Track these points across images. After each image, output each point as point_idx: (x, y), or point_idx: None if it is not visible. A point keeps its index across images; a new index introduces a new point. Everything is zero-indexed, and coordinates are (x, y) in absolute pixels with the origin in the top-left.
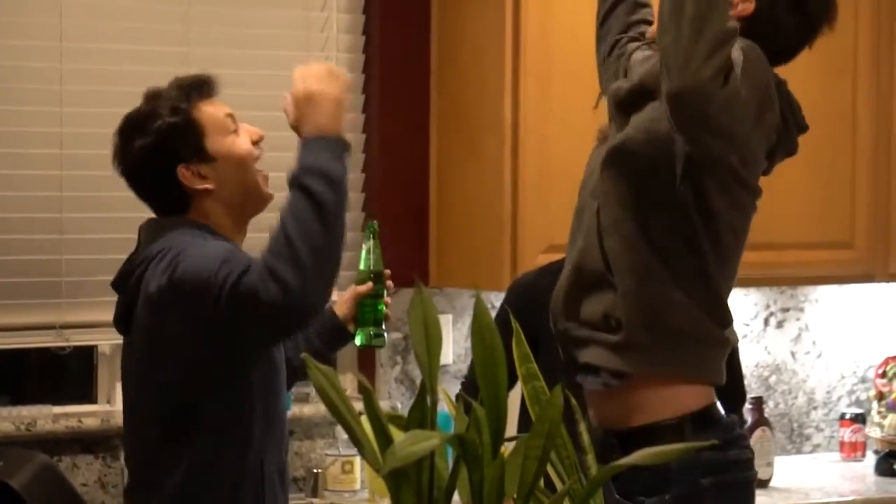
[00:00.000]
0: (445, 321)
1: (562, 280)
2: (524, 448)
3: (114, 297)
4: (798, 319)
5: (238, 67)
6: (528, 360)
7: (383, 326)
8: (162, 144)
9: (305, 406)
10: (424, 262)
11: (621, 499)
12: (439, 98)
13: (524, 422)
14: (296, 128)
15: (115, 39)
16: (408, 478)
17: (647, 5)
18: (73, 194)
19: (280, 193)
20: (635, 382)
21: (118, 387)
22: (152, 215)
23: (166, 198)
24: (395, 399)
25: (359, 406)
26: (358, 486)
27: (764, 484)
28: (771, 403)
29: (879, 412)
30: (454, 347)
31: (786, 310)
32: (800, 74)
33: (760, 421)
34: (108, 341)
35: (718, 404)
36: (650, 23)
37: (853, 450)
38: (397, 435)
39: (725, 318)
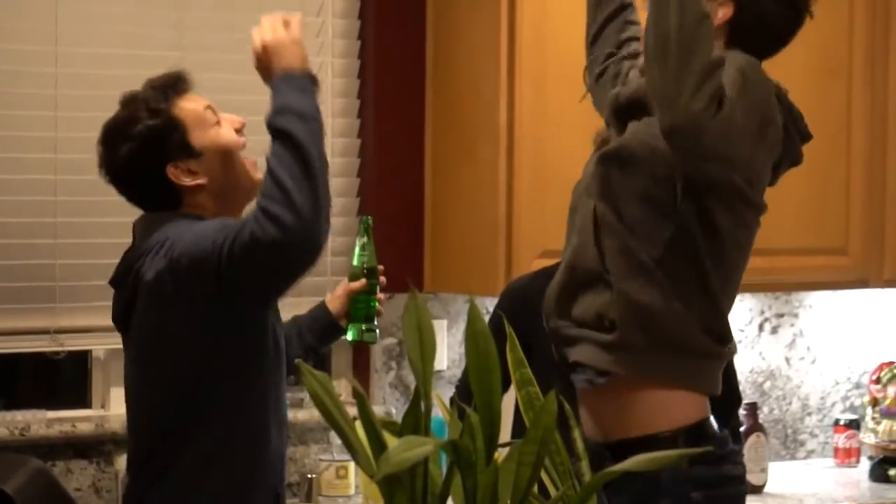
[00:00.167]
0: (440, 326)
1: (556, 278)
2: (518, 454)
3: (108, 302)
4: (792, 325)
5: (233, 72)
6: (522, 365)
7: (375, 322)
8: (147, 147)
9: (300, 411)
10: (419, 267)
11: None
12: (434, 102)
13: (518, 427)
14: (269, 81)
15: (110, 44)
16: (401, 484)
17: (636, 23)
18: (68, 199)
19: None
20: (627, 387)
21: (112, 392)
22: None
23: (158, 198)
24: (389, 404)
25: (353, 411)
26: (352, 491)
27: (758, 490)
28: (765, 409)
29: (873, 418)
30: (448, 353)
31: (780, 315)
32: (795, 79)
33: (755, 427)
34: (103, 346)
35: (712, 418)
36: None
37: (847, 456)
38: (391, 441)
39: (725, 335)
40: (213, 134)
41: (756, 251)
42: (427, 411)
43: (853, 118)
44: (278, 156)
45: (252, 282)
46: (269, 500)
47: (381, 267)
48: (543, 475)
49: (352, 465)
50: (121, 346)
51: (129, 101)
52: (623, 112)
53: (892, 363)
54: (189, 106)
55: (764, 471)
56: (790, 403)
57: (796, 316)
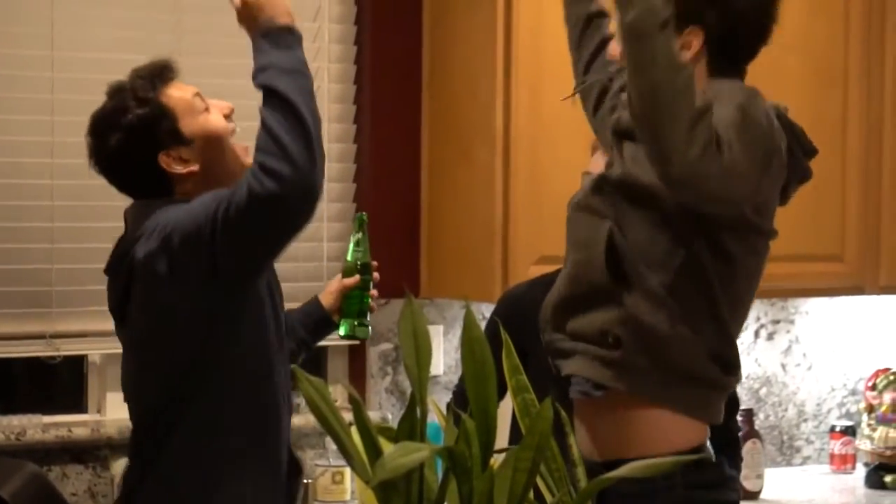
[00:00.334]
0: (436, 332)
1: (555, 290)
2: (514, 460)
3: (105, 307)
4: (788, 332)
5: (230, 77)
6: (518, 371)
7: (368, 317)
8: (137, 137)
9: (295, 416)
10: (415, 272)
11: None
12: (431, 107)
13: (515, 434)
14: (252, 35)
15: (107, 49)
16: (397, 490)
17: None
18: (64, 203)
19: None
20: (625, 405)
21: (109, 396)
22: None
23: (149, 186)
24: (385, 409)
25: (349, 417)
26: (348, 496)
27: (754, 496)
28: (761, 415)
29: (869, 424)
30: (445, 358)
31: (776, 322)
32: (791, 87)
33: (751, 433)
34: (99, 351)
35: (709, 444)
36: None
37: (843, 462)
38: (387, 446)
39: (732, 362)
40: (203, 121)
41: None
42: (423, 417)
43: (849, 125)
44: (269, 112)
45: (249, 241)
46: (279, 479)
47: (374, 263)
48: (539, 481)
49: (348, 471)
50: (117, 351)
51: (117, 92)
52: (626, 135)
53: (887, 370)
54: (177, 94)
55: (760, 477)
56: (786, 410)
57: (792, 322)
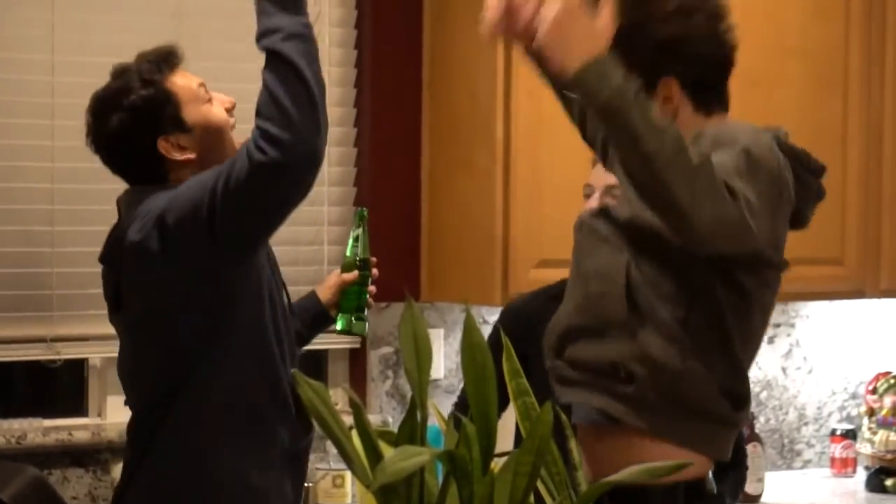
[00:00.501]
0: (437, 335)
1: (561, 318)
2: (514, 464)
3: (105, 311)
4: (789, 335)
5: (230, 81)
6: (519, 375)
7: (365, 313)
8: (140, 118)
9: None
10: (416, 276)
11: None
12: (431, 111)
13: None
14: None
15: (107, 53)
16: (397, 494)
17: None
18: (65, 207)
19: None
20: (628, 435)
21: (109, 400)
22: None
23: (145, 170)
24: (386, 413)
25: (349, 420)
26: (349, 500)
27: (755, 500)
28: (762, 419)
29: (870, 428)
30: (445, 362)
31: (777, 325)
32: (791, 92)
33: (751, 437)
34: (100, 354)
35: (711, 475)
36: None
37: (844, 466)
38: (387, 450)
39: (744, 398)
40: (206, 110)
41: None
42: (423, 421)
43: (849, 129)
44: (272, 76)
45: (250, 211)
46: (282, 453)
47: (374, 259)
48: (539, 485)
49: (348, 475)
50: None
51: (122, 73)
52: None
53: (888, 373)
54: (182, 81)
55: (760, 481)
56: (787, 413)
57: (793, 326)
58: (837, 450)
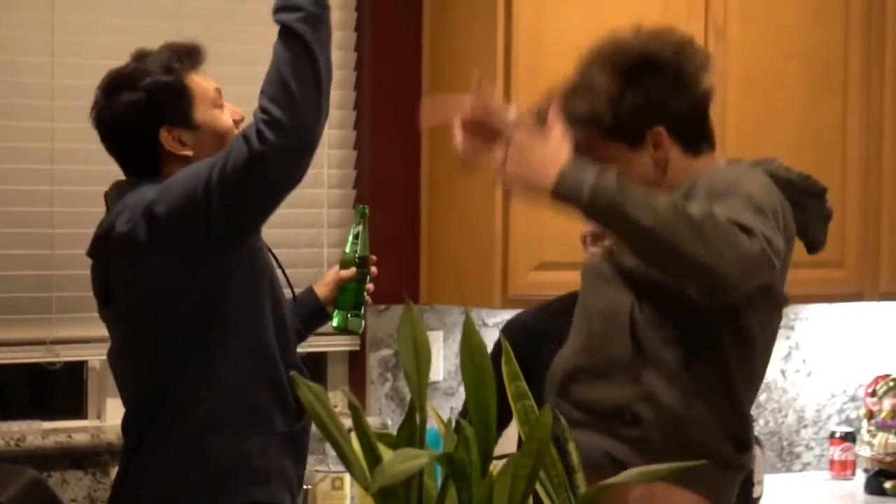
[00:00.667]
0: (436, 338)
1: (566, 357)
2: (513, 467)
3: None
4: (788, 338)
5: (231, 85)
6: (518, 378)
7: (362, 310)
8: (151, 102)
9: None
10: (415, 278)
11: None
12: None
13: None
14: None
15: (107, 55)
16: (396, 496)
17: None
18: (64, 210)
19: None
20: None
21: (108, 402)
22: None
23: (142, 158)
24: (385, 415)
25: (348, 423)
26: (348, 502)
27: (754, 503)
28: (761, 422)
29: (869, 431)
30: (444, 364)
31: None
32: (791, 97)
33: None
34: (99, 356)
35: None
36: None
37: (843, 468)
38: (386, 453)
39: (747, 441)
40: (216, 114)
41: None
42: (422, 423)
43: (849, 132)
44: (283, 52)
45: (246, 197)
46: (282, 434)
47: (373, 257)
48: (538, 488)
49: (347, 477)
50: None
51: (144, 56)
52: None
53: (887, 376)
54: (201, 81)
55: (759, 483)
56: (786, 416)
57: (792, 328)
58: (836, 452)
